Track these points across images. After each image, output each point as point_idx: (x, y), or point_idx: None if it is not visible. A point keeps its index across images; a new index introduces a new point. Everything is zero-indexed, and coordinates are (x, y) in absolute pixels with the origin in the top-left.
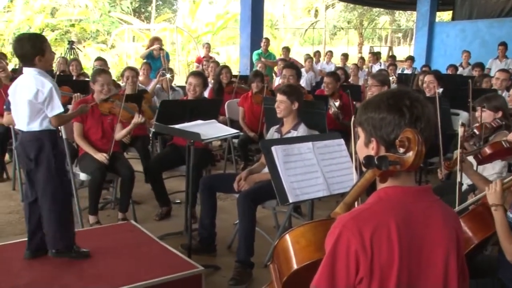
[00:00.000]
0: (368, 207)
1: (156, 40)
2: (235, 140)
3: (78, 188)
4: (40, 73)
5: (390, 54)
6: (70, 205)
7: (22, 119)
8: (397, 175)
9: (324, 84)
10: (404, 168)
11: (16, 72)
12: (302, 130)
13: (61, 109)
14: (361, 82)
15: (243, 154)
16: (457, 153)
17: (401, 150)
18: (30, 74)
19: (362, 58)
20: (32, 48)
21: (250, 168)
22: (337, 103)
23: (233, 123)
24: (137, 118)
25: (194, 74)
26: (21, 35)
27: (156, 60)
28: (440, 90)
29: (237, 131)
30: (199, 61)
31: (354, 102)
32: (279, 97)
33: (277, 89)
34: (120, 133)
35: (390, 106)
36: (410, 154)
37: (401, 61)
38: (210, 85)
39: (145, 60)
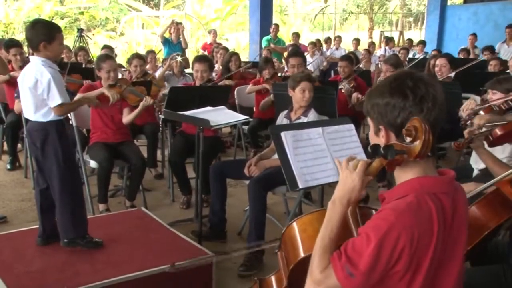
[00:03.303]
0: (414, 200)
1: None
2: (245, 127)
3: (89, 176)
4: (43, 62)
5: (402, 38)
6: (80, 193)
7: (28, 108)
8: (417, 163)
9: (340, 68)
10: (411, 158)
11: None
12: (312, 116)
13: (61, 100)
14: (372, 68)
15: (253, 140)
16: (466, 132)
17: (408, 139)
18: (34, 63)
19: (372, 43)
20: (39, 34)
21: (260, 154)
22: (350, 85)
23: (242, 109)
24: (146, 101)
25: (199, 59)
26: (36, 19)
27: (174, 45)
28: (452, 74)
29: (247, 117)
30: (205, 47)
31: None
32: (308, 85)
33: (304, 77)
34: (128, 116)
35: (393, 90)
36: (417, 143)
37: (412, 45)
38: (216, 69)
39: (160, 50)
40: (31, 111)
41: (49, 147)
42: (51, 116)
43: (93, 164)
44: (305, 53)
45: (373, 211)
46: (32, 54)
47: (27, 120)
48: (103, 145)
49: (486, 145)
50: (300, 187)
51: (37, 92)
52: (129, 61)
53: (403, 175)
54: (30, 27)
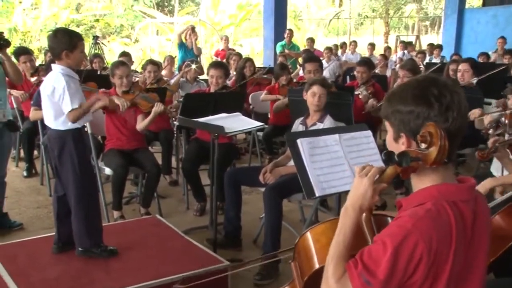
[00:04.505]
0: (432, 208)
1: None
2: (260, 133)
3: (104, 183)
4: (62, 71)
5: (419, 42)
6: (96, 201)
7: (48, 115)
8: (434, 170)
9: (357, 73)
10: (427, 164)
11: (43, 68)
12: (328, 122)
13: (73, 105)
14: (388, 73)
15: (268, 147)
16: (491, 142)
17: (423, 145)
18: (54, 71)
19: (388, 48)
20: (60, 42)
21: (276, 161)
22: (368, 92)
23: (257, 116)
24: (157, 107)
25: (214, 65)
26: (59, 28)
27: (189, 50)
28: (475, 80)
29: (262, 123)
30: (217, 54)
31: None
32: (321, 89)
33: (315, 81)
34: (142, 124)
35: (416, 97)
36: (432, 149)
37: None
38: (232, 76)
39: (173, 56)
40: (51, 119)
41: (66, 155)
42: (69, 125)
43: (107, 171)
44: (321, 58)
45: (389, 219)
46: (54, 62)
47: (44, 127)
48: (117, 152)
49: (511, 155)
50: (317, 195)
51: (55, 99)
52: (144, 67)
53: (420, 182)
54: (52, 35)
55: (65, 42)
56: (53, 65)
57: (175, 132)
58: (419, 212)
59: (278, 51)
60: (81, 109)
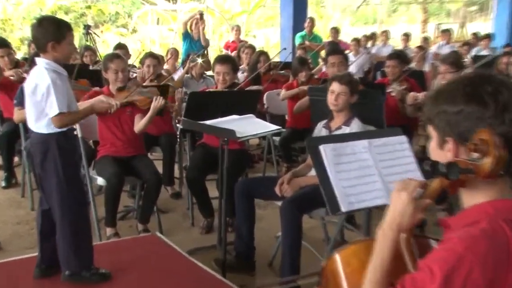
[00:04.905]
0: (487, 227)
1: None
2: (276, 138)
3: (96, 195)
4: (47, 65)
5: (464, 31)
6: (85, 217)
7: (30, 116)
8: (488, 184)
9: (387, 68)
10: (480, 177)
11: (26, 62)
12: (355, 126)
13: (60, 109)
14: (427, 68)
15: (286, 154)
16: None
17: (475, 155)
18: (39, 65)
19: (426, 39)
20: (47, 32)
21: (294, 170)
22: (403, 87)
23: (273, 118)
24: (156, 101)
25: (220, 60)
26: (44, 16)
27: (195, 42)
28: None
29: (279, 127)
30: (227, 46)
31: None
32: (340, 87)
33: (334, 77)
34: (140, 124)
35: (468, 96)
36: (487, 160)
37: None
38: (243, 72)
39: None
40: (32, 120)
41: (49, 161)
42: (53, 128)
43: (100, 181)
44: (347, 52)
45: (432, 242)
46: (38, 55)
47: (26, 130)
48: (112, 159)
49: None
50: (343, 210)
51: (37, 98)
52: (142, 61)
53: (471, 198)
54: (37, 24)
55: (51, 32)
56: (37, 59)
57: (178, 136)
58: (472, 233)
59: (297, 43)
60: (72, 116)
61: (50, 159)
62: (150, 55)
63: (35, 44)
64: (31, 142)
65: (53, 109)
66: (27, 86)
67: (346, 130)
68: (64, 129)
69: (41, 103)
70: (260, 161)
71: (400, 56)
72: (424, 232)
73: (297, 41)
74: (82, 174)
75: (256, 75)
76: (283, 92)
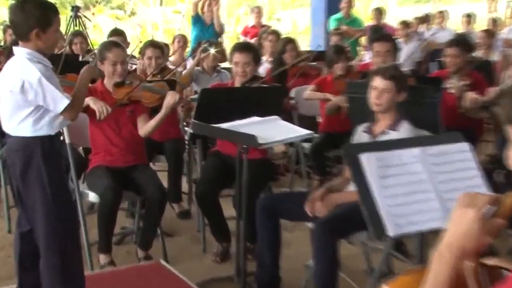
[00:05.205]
0: None
1: None
2: (306, 144)
3: (87, 214)
4: (29, 56)
5: None
6: (75, 240)
7: (7, 118)
8: None
9: (446, 58)
10: None
11: (2, 50)
12: (404, 130)
13: (68, 99)
14: (496, 57)
15: (318, 164)
16: None
17: None
18: (19, 56)
19: (495, 20)
20: (30, 18)
21: (329, 185)
22: (464, 83)
23: (302, 120)
24: (170, 97)
25: (239, 47)
26: None
27: (207, 27)
28: None
29: (310, 131)
30: (246, 32)
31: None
32: (383, 83)
33: (377, 70)
34: (147, 126)
35: None
36: None
37: None
38: (266, 64)
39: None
40: (12, 122)
41: (32, 173)
42: (41, 131)
43: (92, 197)
44: (394, 37)
45: (506, 273)
46: (17, 43)
47: (2, 135)
48: (106, 170)
49: None
50: (390, 234)
51: (28, 97)
52: (142, 51)
53: None
54: (18, 8)
55: (36, 17)
56: (15, 49)
57: (187, 142)
58: None
59: (331, 28)
60: (77, 99)
61: (33, 168)
62: (152, 44)
63: (14, 31)
64: (9, 149)
65: (60, 102)
66: (6, 81)
67: (393, 135)
68: (51, 132)
69: (35, 101)
70: (287, 173)
71: (462, 43)
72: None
73: (332, 25)
74: (70, 188)
75: (281, 68)
76: (308, 91)
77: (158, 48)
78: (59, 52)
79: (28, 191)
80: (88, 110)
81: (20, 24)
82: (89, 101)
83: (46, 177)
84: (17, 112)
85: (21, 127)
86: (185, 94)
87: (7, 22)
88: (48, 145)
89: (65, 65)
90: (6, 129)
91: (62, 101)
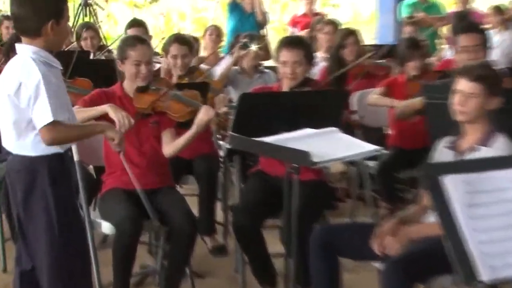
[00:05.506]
0: None
1: None
2: (372, 163)
3: (99, 248)
4: (36, 55)
5: None
6: (86, 281)
7: (7, 131)
8: None
9: None
10: None
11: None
12: (499, 146)
13: (53, 116)
14: None
15: (387, 188)
16: None
17: None
18: (23, 56)
19: None
20: (45, 8)
21: (402, 215)
22: None
23: (367, 132)
24: (204, 112)
25: (287, 43)
26: None
27: (247, 16)
28: None
29: (377, 147)
30: (295, 23)
31: None
32: (469, 85)
33: (460, 70)
34: (174, 144)
35: None
36: None
37: None
38: (321, 62)
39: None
40: (12, 137)
41: (37, 199)
42: (44, 147)
43: (106, 227)
44: (484, 27)
45: None
46: (19, 40)
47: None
48: (124, 194)
49: None
50: (483, 279)
51: (20, 103)
52: (165, 48)
53: None
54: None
55: (49, 8)
56: (18, 46)
57: (222, 160)
58: None
59: (404, 16)
60: (70, 129)
61: (37, 194)
62: (177, 39)
63: (20, 26)
64: (9, 169)
65: (44, 115)
66: (6, 84)
67: (484, 152)
68: (61, 150)
69: (27, 110)
70: (347, 198)
71: None
72: None
73: (405, 11)
74: (81, 217)
75: (339, 68)
76: (376, 93)
77: (185, 44)
78: (66, 49)
79: (30, 220)
80: (104, 119)
81: (29, 17)
82: (107, 108)
83: (52, 203)
84: (15, 123)
85: (22, 143)
86: (217, 101)
87: (3, 13)
88: (56, 163)
89: (76, 65)
90: (6, 145)
91: (47, 115)
